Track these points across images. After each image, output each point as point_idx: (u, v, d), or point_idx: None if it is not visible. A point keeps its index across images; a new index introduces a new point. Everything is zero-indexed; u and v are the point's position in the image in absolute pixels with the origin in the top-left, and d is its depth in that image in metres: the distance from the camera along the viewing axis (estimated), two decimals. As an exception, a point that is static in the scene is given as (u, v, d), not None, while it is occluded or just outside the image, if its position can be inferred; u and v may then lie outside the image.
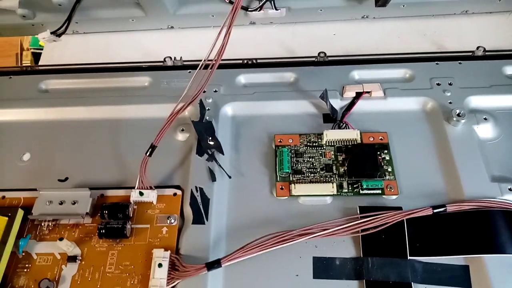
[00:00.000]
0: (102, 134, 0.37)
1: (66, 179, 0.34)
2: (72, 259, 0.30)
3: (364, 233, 0.29)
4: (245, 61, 0.40)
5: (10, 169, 0.35)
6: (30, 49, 0.90)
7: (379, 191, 0.32)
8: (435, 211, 0.29)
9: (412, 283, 0.28)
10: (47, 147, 0.36)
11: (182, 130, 0.36)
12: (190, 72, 0.39)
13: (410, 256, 0.29)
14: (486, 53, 0.39)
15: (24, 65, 0.43)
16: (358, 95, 0.36)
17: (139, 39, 0.46)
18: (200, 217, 0.31)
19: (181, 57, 0.40)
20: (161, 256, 0.29)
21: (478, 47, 0.39)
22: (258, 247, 0.28)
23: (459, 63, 0.38)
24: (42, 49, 0.63)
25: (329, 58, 0.40)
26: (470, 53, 0.40)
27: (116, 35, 0.46)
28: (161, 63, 0.40)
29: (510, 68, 0.38)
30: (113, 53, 0.44)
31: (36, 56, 0.84)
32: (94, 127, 0.37)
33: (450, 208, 0.30)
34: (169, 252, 0.29)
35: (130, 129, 0.37)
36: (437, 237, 0.29)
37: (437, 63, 0.38)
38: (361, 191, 0.32)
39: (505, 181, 0.32)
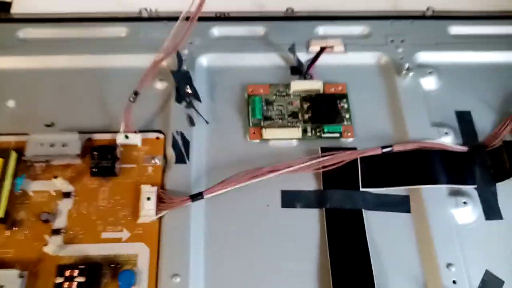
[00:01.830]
0: (84, 82, 0.39)
1: (53, 124, 0.37)
2: (66, 195, 0.33)
3: (325, 169, 0.34)
4: (218, 14, 0.43)
5: None
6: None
7: (338, 135, 0.37)
8: (383, 150, 0.35)
9: (362, 209, 0.33)
10: (30, 94, 0.38)
11: (161, 79, 0.38)
12: (165, 23, 0.41)
13: (362, 188, 0.34)
14: (434, 14, 0.44)
15: None
16: (322, 49, 0.40)
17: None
18: (181, 157, 0.35)
19: (156, 9, 0.42)
20: (148, 190, 0.32)
21: (428, 8, 0.44)
22: (234, 182, 0.33)
23: (411, 22, 0.43)
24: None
25: (297, 14, 0.43)
26: (421, 13, 0.44)
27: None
28: (137, 14, 0.42)
29: (454, 28, 0.43)
30: (86, 2, 0.45)
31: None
32: (75, 75, 0.39)
33: (396, 148, 0.35)
34: (156, 187, 0.33)
35: (111, 78, 0.39)
36: (385, 172, 0.35)
37: (391, 22, 0.43)
38: (322, 135, 0.37)
39: (442, 126, 0.37)
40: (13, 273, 0.29)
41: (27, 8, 0.44)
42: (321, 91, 0.38)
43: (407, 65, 0.39)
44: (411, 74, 0.39)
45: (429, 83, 0.40)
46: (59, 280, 0.29)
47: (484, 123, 0.38)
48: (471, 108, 0.39)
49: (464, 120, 0.38)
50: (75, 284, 0.29)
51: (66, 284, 0.29)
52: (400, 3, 0.45)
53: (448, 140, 0.37)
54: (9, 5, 0.44)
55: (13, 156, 0.34)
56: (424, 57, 0.41)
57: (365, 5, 0.44)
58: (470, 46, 0.42)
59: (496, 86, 0.40)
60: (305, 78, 0.39)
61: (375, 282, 0.31)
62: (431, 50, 0.41)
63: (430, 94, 0.39)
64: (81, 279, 0.29)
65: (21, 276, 0.29)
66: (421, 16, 0.44)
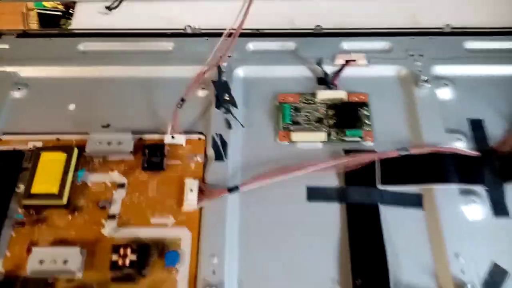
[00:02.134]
0: (136, 90, 0.44)
1: (108, 125, 0.42)
2: (121, 186, 0.38)
3: (347, 169, 0.39)
4: (253, 31, 0.48)
5: (59, 117, 0.42)
6: (34, 9, 0.95)
7: (359, 139, 0.41)
8: (400, 153, 0.39)
9: (378, 204, 0.37)
10: (89, 100, 0.44)
11: (203, 88, 0.44)
12: (207, 39, 0.47)
13: (379, 185, 0.38)
14: (452, 30, 0.48)
15: (62, 28, 0.49)
16: (347, 62, 0.45)
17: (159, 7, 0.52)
18: (220, 156, 0.39)
19: (199, 26, 0.48)
20: (191, 183, 0.37)
21: (446, 25, 0.48)
22: (266, 178, 0.37)
23: (430, 38, 0.47)
24: (45, 10, 0.69)
25: (324, 30, 0.48)
26: (440, 29, 0.48)
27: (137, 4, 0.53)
28: (182, 31, 0.48)
29: (469, 43, 0.46)
30: (137, 18, 0.50)
31: (41, 16, 0.89)
32: (128, 83, 0.45)
33: (412, 151, 0.39)
34: (198, 180, 0.37)
35: (159, 86, 0.44)
36: (401, 172, 0.38)
37: (412, 38, 0.47)
38: (345, 139, 0.41)
39: (456, 132, 0.41)
40: (75, 250, 0.34)
41: (85, 23, 0.50)
42: (345, 100, 0.43)
43: (424, 78, 0.43)
44: (428, 85, 0.43)
45: (445, 93, 0.44)
46: (114, 257, 0.33)
47: (495, 130, 0.42)
48: (483, 116, 0.42)
49: (477, 127, 0.42)
50: (127, 261, 0.33)
51: (120, 261, 0.33)
52: (420, 20, 0.49)
53: (461, 145, 0.40)
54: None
55: (75, 152, 0.39)
56: (441, 70, 0.45)
57: (387, 21, 0.48)
58: (483, 60, 0.46)
59: (507, 96, 0.44)
60: (330, 88, 0.44)
61: (390, 270, 0.34)
62: (447, 64, 0.45)
63: (445, 104, 0.43)
64: (133, 257, 0.33)
65: (81, 253, 0.34)
66: (439, 32, 0.48)
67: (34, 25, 0.70)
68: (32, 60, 0.46)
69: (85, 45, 0.47)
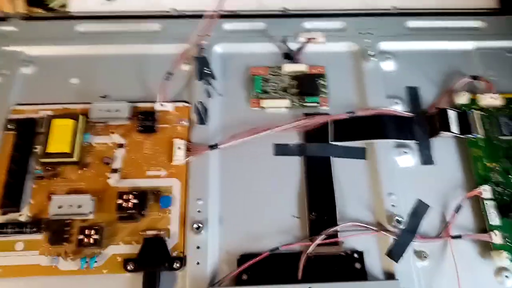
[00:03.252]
0: (129, 65, 0.51)
1: (106, 96, 0.49)
2: (120, 146, 0.46)
3: (306, 128, 0.47)
4: (229, 13, 0.55)
5: (63, 90, 0.49)
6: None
7: (317, 104, 0.49)
8: (348, 115, 0.47)
9: (330, 157, 0.46)
10: (88, 74, 0.50)
11: (186, 63, 0.51)
12: (189, 20, 0.53)
13: (331, 142, 0.47)
14: (397, 11, 0.56)
15: (62, 12, 0.54)
16: (308, 40, 0.52)
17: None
18: (202, 120, 0.47)
19: (182, 9, 0.55)
20: (179, 143, 0.45)
21: (393, 7, 0.56)
22: (240, 137, 0.45)
23: (378, 18, 0.55)
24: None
25: (289, 12, 0.56)
26: (387, 11, 0.56)
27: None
28: (168, 13, 0.55)
29: (411, 22, 0.55)
30: (128, 2, 0.57)
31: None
32: (122, 60, 0.51)
33: (358, 113, 0.48)
34: (184, 140, 0.46)
35: (149, 62, 0.51)
36: (349, 131, 0.47)
37: (363, 18, 0.55)
38: (305, 104, 0.49)
39: (395, 98, 0.49)
40: (87, 197, 0.42)
41: (81, 7, 0.56)
42: (306, 72, 0.51)
43: (371, 53, 0.51)
44: (374, 59, 0.51)
45: (388, 65, 0.52)
46: (119, 201, 0.42)
47: (428, 96, 0.50)
48: (419, 85, 0.51)
49: (412, 93, 0.51)
50: (130, 203, 0.41)
51: (124, 204, 0.41)
52: (370, 3, 0.57)
53: (398, 108, 0.49)
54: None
55: (81, 118, 0.46)
56: (385, 46, 0.53)
57: (342, 4, 0.56)
58: (422, 37, 0.54)
59: (440, 68, 0.52)
60: (294, 62, 0.52)
61: (337, 206, 0.44)
62: (391, 40, 0.53)
63: (388, 74, 0.51)
64: (135, 201, 0.41)
65: (92, 199, 0.42)
66: (386, 13, 0.56)
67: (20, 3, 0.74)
68: (37, 40, 0.52)
69: (83, 27, 0.54)
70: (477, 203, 0.45)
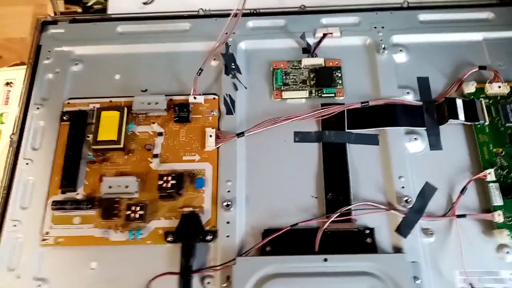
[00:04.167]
0: (164, 62, 0.56)
1: (146, 90, 0.56)
2: (160, 134, 0.51)
3: (323, 117, 0.52)
4: (252, 11, 0.60)
5: (108, 85, 0.55)
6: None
7: (333, 95, 0.54)
8: (362, 104, 0.52)
9: (345, 143, 0.51)
10: (129, 71, 0.56)
11: (214, 59, 0.56)
12: (216, 19, 0.59)
13: (347, 129, 0.52)
14: (409, 5, 0.60)
15: (103, 14, 0.60)
16: (324, 35, 0.57)
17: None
18: (230, 110, 0.53)
19: (209, 8, 0.60)
20: (210, 131, 0.51)
21: (404, 1, 0.60)
22: (264, 125, 0.50)
23: (391, 12, 0.59)
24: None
25: (307, 9, 0.60)
26: (399, 5, 0.60)
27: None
28: (196, 12, 0.60)
29: (422, 16, 0.58)
30: (160, 5, 0.62)
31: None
32: (157, 57, 0.57)
33: (371, 103, 0.52)
34: (214, 129, 0.51)
35: (181, 59, 0.57)
36: (363, 119, 0.52)
37: (376, 13, 0.58)
38: (322, 95, 0.54)
39: (406, 88, 0.53)
40: (133, 178, 0.48)
41: (119, 9, 0.62)
42: (323, 65, 0.56)
43: (383, 45, 0.55)
44: (386, 52, 0.55)
45: (400, 58, 0.56)
46: (160, 182, 0.47)
47: (438, 86, 0.54)
48: (429, 75, 0.55)
49: (423, 84, 0.54)
50: (169, 184, 0.47)
51: (164, 184, 0.47)
52: (386, -2, 0.61)
53: (409, 98, 0.53)
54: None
55: (125, 110, 0.52)
56: (398, 39, 0.57)
57: (356, 0, 0.60)
58: (433, 30, 0.57)
59: (450, 59, 0.56)
60: (312, 56, 0.56)
61: (351, 188, 0.49)
62: (403, 33, 0.57)
63: (400, 66, 0.55)
64: (173, 182, 0.47)
65: (137, 181, 0.48)
66: (398, 7, 0.59)
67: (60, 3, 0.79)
68: (83, 41, 0.58)
69: (122, 28, 0.60)
70: (482, 186, 0.48)
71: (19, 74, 0.65)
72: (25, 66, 0.61)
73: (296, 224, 0.46)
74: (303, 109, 0.53)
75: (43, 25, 0.60)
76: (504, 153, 0.50)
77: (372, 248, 0.46)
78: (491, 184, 0.48)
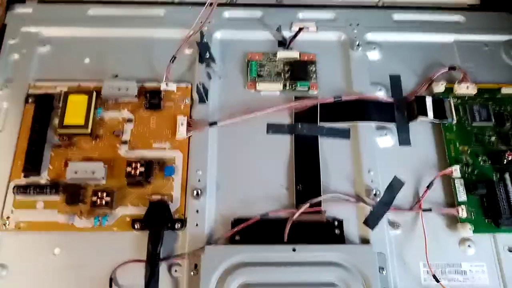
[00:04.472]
0: (137, 47, 0.55)
1: (117, 75, 0.54)
2: (129, 120, 0.51)
3: (296, 110, 0.52)
4: (228, 1, 0.60)
5: (77, 68, 0.54)
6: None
7: (307, 88, 0.54)
8: (334, 99, 0.53)
9: (318, 136, 0.51)
10: (99, 55, 0.55)
11: (189, 47, 0.55)
12: (191, 8, 0.58)
13: (319, 122, 0.52)
14: (384, 4, 0.61)
15: None
16: (300, 29, 0.57)
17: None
18: (203, 99, 0.52)
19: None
20: (182, 119, 0.50)
21: (379, 0, 0.61)
22: (237, 116, 0.51)
23: (366, 10, 0.60)
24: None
25: (284, 2, 0.60)
26: (374, 3, 0.61)
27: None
28: (171, 0, 0.60)
29: (396, 15, 0.59)
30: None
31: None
32: (130, 43, 0.56)
33: (344, 98, 0.52)
34: (186, 117, 0.51)
35: (155, 45, 0.56)
36: (335, 113, 0.52)
37: (352, 10, 0.59)
38: (296, 88, 0.54)
39: (378, 85, 0.54)
40: (100, 164, 0.47)
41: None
42: (298, 58, 0.56)
43: (357, 42, 0.56)
44: (360, 48, 0.56)
45: (373, 55, 0.57)
46: (128, 169, 0.46)
47: (409, 84, 0.55)
48: (401, 73, 0.56)
49: (395, 81, 0.56)
50: (138, 171, 0.46)
51: (132, 172, 0.46)
52: (360, -4, 0.62)
53: (381, 94, 0.54)
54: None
55: (94, 94, 0.51)
56: (372, 36, 0.58)
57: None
58: (406, 29, 0.58)
59: (422, 59, 0.57)
60: (287, 49, 0.56)
61: (322, 180, 0.49)
62: (377, 31, 0.58)
63: (373, 63, 0.56)
64: (142, 169, 0.46)
65: (104, 167, 0.47)
66: (374, 6, 0.61)
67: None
68: (52, 21, 0.57)
69: (94, 11, 0.58)
70: (448, 181, 0.50)
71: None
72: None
73: (266, 214, 0.46)
74: (277, 101, 0.53)
75: (9, 3, 0.58)
76: (469, 151, 0.52)
77: (340, 239, 0.47)
78: (456, 180, 0.49)
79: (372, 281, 0.42)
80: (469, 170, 0.50)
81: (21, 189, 0.46)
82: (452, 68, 0.56)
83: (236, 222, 0.46)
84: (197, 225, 0.46)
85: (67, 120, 0.49)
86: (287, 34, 0.57)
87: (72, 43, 0.56)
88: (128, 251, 0.45)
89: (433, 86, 0.55)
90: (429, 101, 0.53)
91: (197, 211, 0.47)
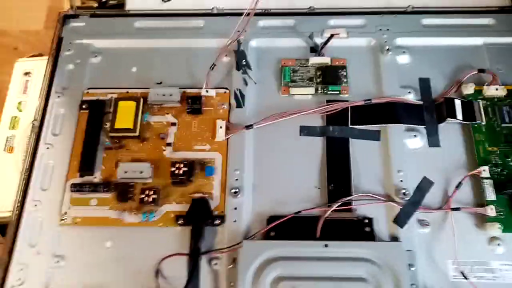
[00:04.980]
0: (179, 56, 0.60)
1: (161, 82, 0.59)
2: (173, 124, 0.55)
3: (328, 113, 0.55)
4: (263, 11, 0.63)
5: (125, 77, 0.58)
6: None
7: (338, 92, 0.57)
8: (365, 102, 0.55)
9: (348, 138, 0.54)
10: (145, 64, 0.59)
11: (226, 55, 0.59)
12: (228, 18, 0.62)
13: (350, 125, 0.55)
14: (413, 9, 0.62)
15: (122, 10, 0.63)
16: (331, 36, 0.60)
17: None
18: (240, 104, 0.55)
19: (222, 7, 0.63)
20: (221, 123, 0.54)
21: (408, 5, 0.62)
22: (272, 118, 0.53)
23: (395, 16, 0.62)
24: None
25: (315, 10, 0.62)
26: (404, 9, 0.62)
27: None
28: (210, 11, 0.63)
29: (425, 20, 0.61)
30: (175, 2, 0.65)
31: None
32: (172, 52, 0.60)
33: (374, 101, 0.55)
34: (225, 121, 0.54)
35: (195, 54, 0.60)
36: (365, 116, 0.54)
37: (381, 16, 0.61)
38: (328, 92, 0.57)
39: (408, 88, 0.56)
40: (147, 164, 0.51)
41: (137, 5, 0.65)
42: (329, 64, 0.58)
43: (387, 47, 0.58)
44: (390, 53, 0.58)
45: (403, 59, 0.59)
46: (172, 169, 0.50)
47: (438, 86, 0.57)
48: (430, 76, 0.57)
49: (424, 84, 0.57)
50: (181, 171, 0.50)
51: (176, 171, 0.50)
52: (389, 2, 0.63)
53: (410, 97, 0.56)
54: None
55: (141, 101, 0.55)
56: (401, 41, 0.59)
57: (363, 3, 0.63)
58: (435, 33, 0.60)
59: (451, 62, 0.58)
60: (319, 55, 0.59)
61: (352, 180, 0.51)
62: (407, 36, 0.60)
63: (402, 67, 0.58)
64: (184, 169, 0.50)
65: (150, 167, 0.51)
66: (403, 12, 0.62)
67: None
68: (103, 34, 0.62)
69: (139, 23, 0.63)
70: (477, 182, 0.51)
71: (37, 65, 0.68)
72: (42, 57, 0.65)
73: (299, 212, 0.49)
74: (309, 105, 0.55)
75: (64, 18, 0.63)
76: (499, 151, 0.53)
77: (370, 236, 0.49)
78: (485, 181, 0.50)
79: (401, 277, 0.44)
80: (498, 170, 0.51)
81: (77, 187, 0.51)
82: (481, 70, 0.57)
83: (271, 219, 0.49)
84: (235, 221, 0.49)
85: (118, 124, 0.53)
86: (318, 40, 0.60)
87: (121, 53, 0.61)
88: (172, 245, 0.48)
89: (462, 89, 0.56)
90: (458, 103, 0.54)
91: (235, 208, 0.50)
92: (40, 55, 0.70)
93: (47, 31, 0.78)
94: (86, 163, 0.52)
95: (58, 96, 0.57)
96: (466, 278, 0.46)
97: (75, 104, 0.57)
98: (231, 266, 0.47)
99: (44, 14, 0.91)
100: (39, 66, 0.66)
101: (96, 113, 0.55)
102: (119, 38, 0.62)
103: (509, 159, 0.52)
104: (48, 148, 0.54)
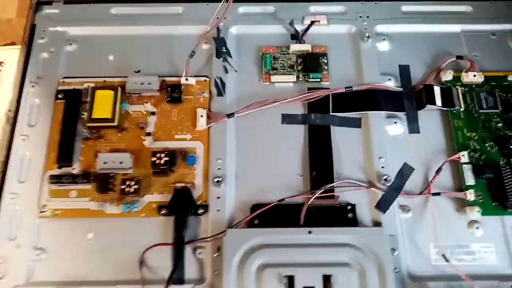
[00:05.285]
0: (157, 44, 0.58)
1: (139, 71, 0.57)
2: (152, 113, 0.53)
3: (309, 101, 0.55)
4: (242, -3, 0.62)
5: (102, 65, 0.57)
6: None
7: (319, 80, 0.57)
8: (346, 89, 0.55)
9: (330, 125, 0.54)
10: (122, 52, 0.58)
11: (206, 43, 0.58)
12: (207, 4, 0.60)
13: (331, 113, 0.55)
14: (393, -4, 0.63)
15: None
16: (312, 22, 0.59)
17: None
18: (220, 92, 0.55)
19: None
20: (201, 112, 0.53)
21: (388, -8, 0.63)
22: (253, 107, 0.53)
23: (375, 3, 0.62)
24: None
25: (296, -4, 0.63)
26: (383, -4, 0.63)
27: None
28: (189, -3, 0.62)
29: (405, 7, 0.61)
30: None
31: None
32: (151, 39, 0.59)
33: (355, 88, 0.55)
34: (205, 110, 0.54)
35: (174, 41, 0.59)
36: (346, 103, 0.55)
37: (361, 3, 0.61)
38: (309, 80, 0.57)
39: (388, 75, 0.56)
40: (127, 155, 0.49)
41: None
42: (310, 51, 0.58)
43: (367, 34, 0.58)
44: (370, 40, 0.58)
45: (383, 46, 0.59)
46: (153, 159, 0.49)
47: (417, 73, 0.57)
48: (410, 63, 0.58)
49: (404, 71, 0.58)
50: (162, 161, 0.49)
51: (157, 161, 0.49)
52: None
53: (390, 84, 0.56)
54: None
55: (119, 90, 0.54)
56: (381, 28, 0.60)
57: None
58: (414, 20, 0.60)
59: (430, 49, 0.59)
60: (300, 42, 0.59)
61: (334, 167, 0.52)
62: (387, 23, 0.60)
63: (382, 54, 0.58)
64: (166, 158, 0.49)
65: (131, 157, 0.50)
66: (383, -2, 0.63)
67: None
68: (78, 21, 0.60)
69: (116, 10, 0.61)
70: (456, 167, 0.52)
71: (9, 54, 0.65)
72: (15, 47, 0.63)
73: (283, 199, 0.49)
74: (291, 93, 0.55)
75: (37, 5, 0.61)
76: (477, 137, 0.54)
77: (353, 222, 0.49)
78: (464, 166, 0.51)
79: (384, 261, 0.45)
80: (477, 155, 0.52)
81: (56, 179, 0.50)
82: (459, 57, 0.57)
83: (255, 207, 0.49)
84: (218, 210, 0.49)
85: (95, 114, 0.52)
86: (299, 27, 0.59)
87: (97, 41, 0.59)
88: (156, 235, 0.48)
89: (441, 75, 0.57)
90: (437, 89, 0.55)
91: (218, 197, 0.50)
92: (13, 43, 0.68)
93: (19, 20, 0.75)
94: (64, 154, 0.51)
95: (33, 86, 0.56)
96: (447, 260, 0.47)
97: (51, 94, 0.55)
98: (216, 254, 0.47)
99: (15, 1, 0.88)
100: (12, 55, 0.63)
101: (72, 103, 0.54)
102: (95, 25, 0.60)
103: (487, 145, 0.53)
104: (24, 139, 0.53)
